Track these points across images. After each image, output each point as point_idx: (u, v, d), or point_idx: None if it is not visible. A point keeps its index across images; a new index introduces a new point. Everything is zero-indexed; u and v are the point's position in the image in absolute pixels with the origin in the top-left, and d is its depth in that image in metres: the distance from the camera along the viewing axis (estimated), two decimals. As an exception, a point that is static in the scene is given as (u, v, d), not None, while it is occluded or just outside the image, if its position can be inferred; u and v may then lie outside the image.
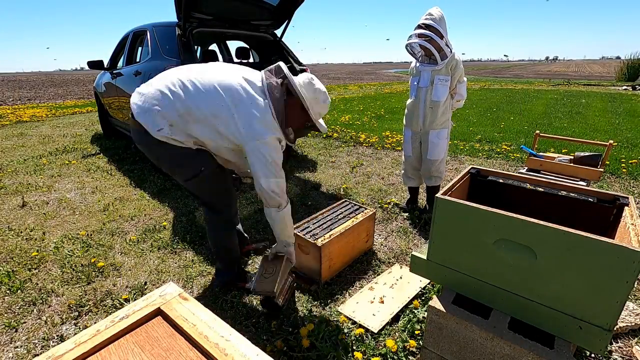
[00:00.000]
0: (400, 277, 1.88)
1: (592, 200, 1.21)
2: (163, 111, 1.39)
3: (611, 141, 2.24)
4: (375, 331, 1.50)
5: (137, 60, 4.00)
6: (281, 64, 1.52)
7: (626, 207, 1.11)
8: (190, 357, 0.56)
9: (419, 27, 2.23)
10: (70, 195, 3.12)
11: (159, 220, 2.61)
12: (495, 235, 1.03)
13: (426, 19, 2.21)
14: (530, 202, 1.34)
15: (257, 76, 1.51)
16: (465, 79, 2.40)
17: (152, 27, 3.63)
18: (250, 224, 2.52)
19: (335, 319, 1.59)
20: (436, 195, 1.14)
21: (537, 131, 2.62)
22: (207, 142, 1.48)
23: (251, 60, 4.76)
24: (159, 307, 0.65)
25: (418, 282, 1.82)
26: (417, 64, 2.38)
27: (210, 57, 4.72)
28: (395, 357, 1.38)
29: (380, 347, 1.43)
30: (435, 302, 1.16)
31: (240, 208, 2.79)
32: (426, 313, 1.19)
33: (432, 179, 2.54)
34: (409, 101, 2.50)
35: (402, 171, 2.70)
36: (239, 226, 2.04)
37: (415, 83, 2.41)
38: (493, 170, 1.43)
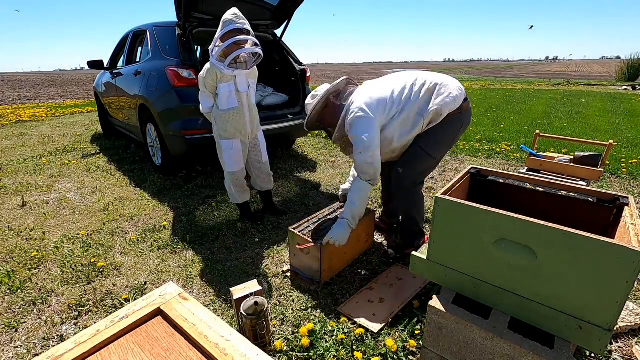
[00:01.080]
0: (400, 277, 1.87)
1: (592, 200, 1.21)
2: None
3: (611, 141, 2.24)
4: (375, 331, 1.50)
5: (137, 60, 4.00)
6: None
7: (626, 207, 1.11)
8: (190, 357, 0.56)
9: (243, 32, 2.03)
10: (70, 195, 3.12)
11: (159, 220, 2.60)
12: (495, 235, 1.03)
13: (243, 23, 2.03)
14: (530, 202, 1.34)
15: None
16: None
17: (152, 27, 3.63)
18: (251, 224, 2.52)
19: (335, 319, 1.59)
20: (436, 195, 1.14)
21: (537, 131, 2.62)
22: None
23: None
24: (159, 307, 0.65)
25: (418, 282, 1.82)
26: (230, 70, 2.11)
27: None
28: (395, 357, 1.38)
29: (380, 347, 1.43)
30: (435, 302, 1.16)
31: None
32: (426, 313, 1.18)
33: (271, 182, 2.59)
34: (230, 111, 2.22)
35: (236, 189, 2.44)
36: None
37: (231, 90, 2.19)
38: (493, 170, 1.43)
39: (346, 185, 2.20)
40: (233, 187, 2.40)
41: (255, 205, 2.84)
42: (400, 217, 2.17)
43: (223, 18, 2.02)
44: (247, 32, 2.05)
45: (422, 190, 2.00)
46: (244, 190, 2.47)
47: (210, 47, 2.11)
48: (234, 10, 2.05)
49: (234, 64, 2.09)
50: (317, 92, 1.92)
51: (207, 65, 2.13)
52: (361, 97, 1.75)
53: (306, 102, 1.95)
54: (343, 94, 1.90)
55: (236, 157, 2.31)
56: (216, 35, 2.04)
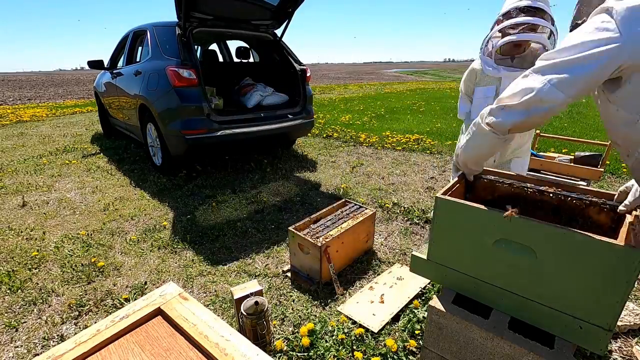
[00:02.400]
0: (400, 277, 1.87)
1: (594, 200, 1.21)
2: None
3: (611, 141, 2.24)
4: (375, 331, 1.50)
5: (137, 60, 4.00)
6: None
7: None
8: (190, 356, 0.56)
9: (529, 10, 1.43)
10: (70, 195, 3.12)
11: (159, 220, 2.61)
12: (496, 235, 1.02)
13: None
14: (530, 202, 1.34)
15: None
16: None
17: (152, 27, 3.63)
18: (251, 224, 2.52)
19: (335, 319, 1.59)
20: (436, 195, 1.14)
21: (538, 131, 2.62)
22: None
23: (251, 60, 4.77)
24: (159, 307, 0.65)
25: (418, 282, 1.82)
26: (490, 68, 1.59)
27: (210, 57, 4.74)
28: (395, 357, 1.38)
29: (380, 347, 1.43)
30: (435, 302, 1.16)
31: (240, 208, 2.80)
32: (426, 313, 1.18)
33: None
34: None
35: None
36: None
37: (491, 94, 1.66)
38: (493, 170, 1.43)
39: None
40: None
41: (256, 205, 2.85)
42: None
43: None
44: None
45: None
46: None
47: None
48: None
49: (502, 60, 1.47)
50: None
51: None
52: None
53: None
54: None
55: None
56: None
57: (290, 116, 3.58)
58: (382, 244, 2.25)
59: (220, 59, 5.18)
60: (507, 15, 1.49)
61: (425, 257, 1.23)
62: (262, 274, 1.94)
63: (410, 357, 1.38)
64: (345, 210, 2.15)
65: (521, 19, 1.44)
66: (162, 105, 3.10)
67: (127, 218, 2.64)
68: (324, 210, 2.13)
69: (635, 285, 1.75)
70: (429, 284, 1.81)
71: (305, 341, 1.42)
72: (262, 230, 2.44)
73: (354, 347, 1.42)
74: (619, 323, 1.48)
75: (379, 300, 1.69)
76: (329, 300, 1.72)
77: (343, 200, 2.25)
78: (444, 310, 1.13)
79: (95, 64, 4.59)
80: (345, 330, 1.51)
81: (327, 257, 1.78)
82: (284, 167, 3.84)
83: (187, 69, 2.99)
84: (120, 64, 4.55)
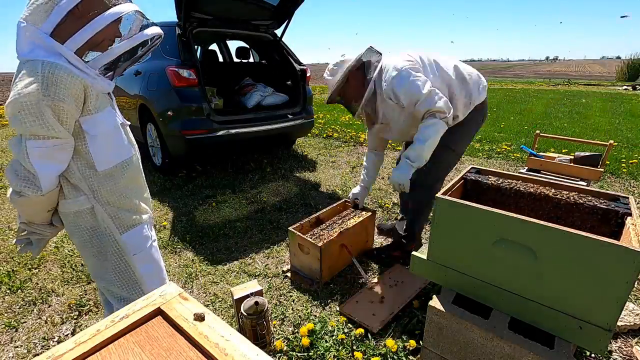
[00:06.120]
0: (401, 278, 1.87)
1: (595, 203, 1.21)
2: None
3: (611, 141, 2.23)
4: (375, 331, 1.50)
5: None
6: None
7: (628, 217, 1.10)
8: (190, 357, 0.56)
9: None
10: (70, 195, 3.11)
11: (159, 220, 2.60)
12: (495, 235, 1.03)
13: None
14: (531, 202, 1.34)
15: None
16: None
17: (152, 27, 3.62)
18: (251, 224, 2.52)
19: (335, 319, 1.59)
20: (436, 195, 1.14)
21: (537, 131, 2.62)
22: None
23: (251, 60, 4.76)
24: (159, 307, 0.65)
25: (418, 282, 1.82)
26: None
27: (210, 57, 4.74)
28: (395, 357, 1.38)
29: (380, 347, 1.43)
30: (435, 302, 1.16)
31: (240, 208, 2.80)
32: (426, 313, 1.18)
33: None
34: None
35: None
36: None
37: None
38: (493, 170, 1.43)
39: (356, 190, 2.11)
40: None
41: (256, 205, 2.84)
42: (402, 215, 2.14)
43: None
44: None
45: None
46: None
47: None
48: None
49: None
50: (339, 66, 1.72)
51: None
52: (397, 58, 1.67)
53: (325, 76, 1.77)
54: (368, 63, 1.74)
55: None
56: None
57: (290, 116, 3.58)
58: (382, 244, 2.24)
59: (220, 59, 5.18)
60: None
61: (425, 257, 1.23)
62: (262, 274, 1.94)
63: (410, 357, 1.38)
64: (345, 210, 2.15)
65: None
66: (162, 105, 3.09)
67: (127, 218, 2.64)
68: (324, 210, 2.13)
69: (635, 285, 1.75)
70: (428, 284, 1.81)
71: (305, 341, 1.42)
72: (262, 230, 2.44)
73: (354, 347, 1.42)
74: (619, 323, 1.48)
75: (378, 301, 1.69)
76: (329, 300, 1.72)
77: (343, 200, 2.25)
78: (443, 310, 1.13)
79: (95, 64, 4.58)
80: (345, 330, 1.51)
81: (347, 249, 1.88)
82: (284, 167, 3.84)
83: (187, 69, 2.99)
84: (120, 64, 4.54)
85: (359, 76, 1.73)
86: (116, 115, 1.09)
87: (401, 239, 2.02)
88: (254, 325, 1.35)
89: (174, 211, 2.75)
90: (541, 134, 2.55)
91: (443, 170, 1.88)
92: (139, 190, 1.17)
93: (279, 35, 3.85)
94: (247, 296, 1.44)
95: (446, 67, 1.70)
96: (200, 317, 0.61)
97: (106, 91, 1.04)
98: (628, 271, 0.83)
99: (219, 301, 1.72)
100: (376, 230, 2.32)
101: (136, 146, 1.19)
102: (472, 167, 1.46)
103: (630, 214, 1.08)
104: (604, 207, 1.14)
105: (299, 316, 1.62)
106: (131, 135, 1.16)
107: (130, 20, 1.01)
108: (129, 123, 1.19)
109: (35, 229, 1.05)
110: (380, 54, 1.77)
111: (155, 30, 1.02)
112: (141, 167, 1.20)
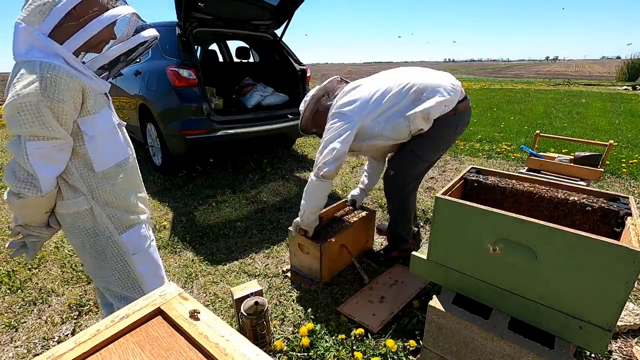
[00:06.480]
0: (401, 278, 1.87)
1: (595, 203, 1.21)
2: None
3: (611, 141, 2.23)
4: (375, 331, 1.50)
5: (137, 60, 4.00)
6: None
7: (629, 218, 1.10)
8: (190, 357, 0.56)
9: None
10: (70, 195, 3.11)
11: (159, 220, 2.60)
12: (495, 235, 1.03)
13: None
14: (530, 202, 1.34)
15: None
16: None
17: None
18: (251, 224, 2.52)
19: (335, 319, 1.59)
20: (436, 195, 1.14)
21: (537, 131, 2.62)
22: None
23: (251, 60, 4.76)
24: (159, 307, 0.65)
25: (418, 282, 1.82)
26: None
27: (210, 57, 4.74)
28: (395, 357, 1.38)
29: (380, 347, 1.43)
30: (435, 302, 1.16)
31: (240, 208, 2.80)
32: (426, 313, 1.18)
33: None
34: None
35: None
36: None
37: None
38: (493, 170, 1.43)
39: (355, 192, 2.19)
40: None
41: (256, 205, 2.84)
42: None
43: None
44: None
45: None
46: None
47: None
48: None
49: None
50: (307, 97, 1.89)
51: None
52: (343, 98, 1.74)
53: (300, 107, 1.92)
54: (332, 94, 1.86)
55: None
56: None
57: (290, 116, 3.58)
58: (382, 244, 2.24)
59: (220, 59, 5.18)
60: None
61: (425, 257, 1.23)
62: (262, 274, 1.94)
63: (410, 357, 1.38)
64: (345, 210, 2.15)
65: None
66: (162, 105, 3.09)
67: (127, 218, 2.64)
68: (324, 210, 2.13)
69: (635, 285, 1.75)
70: (428, 284, 1.81)
71: (305, 341, 1.42)
72: (262, 230, 2.44)
73: (354, 348, 1.42)
74: (619, 323, 1.48)
75: (378, 301, 1.69)
76: (329, 300, 1.72)
77: (343, 200, 2.25)
78: (443, 310, 1.13)
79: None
80: (345, 331, 1.51)
81: (347, 249, 1.89)
82: (284, 167, 3.84)
83: (187, 69, 2.99)
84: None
85: (326, 107, 1.85)
86: (113, 116, 1.09)
87: (397, 240, 2.02)
88: (254, 325, 1.35)
89: (174, 211, 2.76)
90: (541, 134, 2.55)
91: (410, 176, 1.84)
92: (135, 191, 1.18)
93: (279, 35, 3.85)
94: (247, 296, 1.44)
95: (399, 92, 1.67)
96: (194, 314, 0.61)
97: (103, 91, 1.05)
98: (628, 271, 0.83)
99: (219, 301, 1.72)
100: (376, 230, 2.33)
101: (132, 146, 1.19)
102: (472, 167, 1.46)
103: (630, 214, 1.08)
104: (604, 207, 1.14)
105: (299, 316, 1.62)
106: (127, 135, 1.17)
107: (125, 22, 1.02)
108: (125, 123, 1.20)
109: (32, 231, 1.05)
110: (347, 82, 1.90)
111: (151, 32, 1.04)
112: (137, 167, 1.21)
